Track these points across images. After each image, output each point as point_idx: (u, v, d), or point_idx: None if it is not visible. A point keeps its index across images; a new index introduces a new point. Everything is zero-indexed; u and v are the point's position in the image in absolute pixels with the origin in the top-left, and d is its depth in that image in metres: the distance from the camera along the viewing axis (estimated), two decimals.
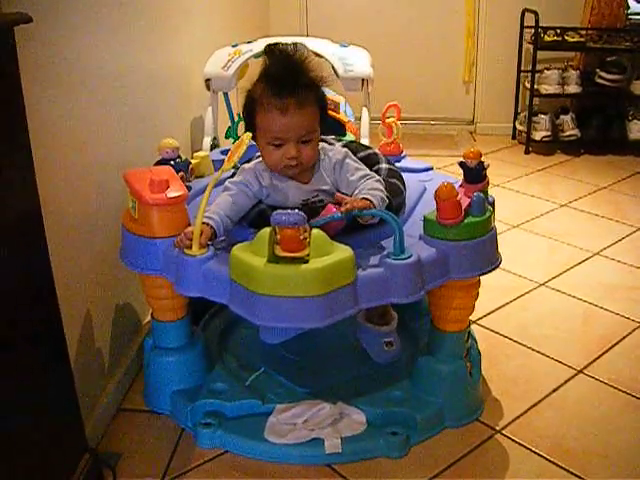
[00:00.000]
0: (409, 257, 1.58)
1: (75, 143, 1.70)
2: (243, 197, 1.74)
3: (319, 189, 1.76)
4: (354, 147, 1.96)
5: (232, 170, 1.88)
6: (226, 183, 1.78)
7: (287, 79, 1.66)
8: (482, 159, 1.72)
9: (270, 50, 1.73)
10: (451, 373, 1.81)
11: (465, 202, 1.65)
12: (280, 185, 1.75)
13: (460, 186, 1.72)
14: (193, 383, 1.84)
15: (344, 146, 1.92)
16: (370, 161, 1.91)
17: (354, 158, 1.79)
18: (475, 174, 1.72)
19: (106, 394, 1.83)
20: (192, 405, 1.79)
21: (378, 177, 1.75)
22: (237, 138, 2.79)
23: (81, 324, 1.73)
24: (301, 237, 1.47)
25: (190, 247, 1.60)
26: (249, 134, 1.64)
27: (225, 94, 2.79)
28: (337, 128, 2.26)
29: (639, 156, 4.10)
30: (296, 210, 1.48)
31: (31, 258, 1.37)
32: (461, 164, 1.73)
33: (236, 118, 2.85)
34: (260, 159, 1.78)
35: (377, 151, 2.01)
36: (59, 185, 1.61)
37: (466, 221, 1.65)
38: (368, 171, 1.76)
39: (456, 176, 2.34)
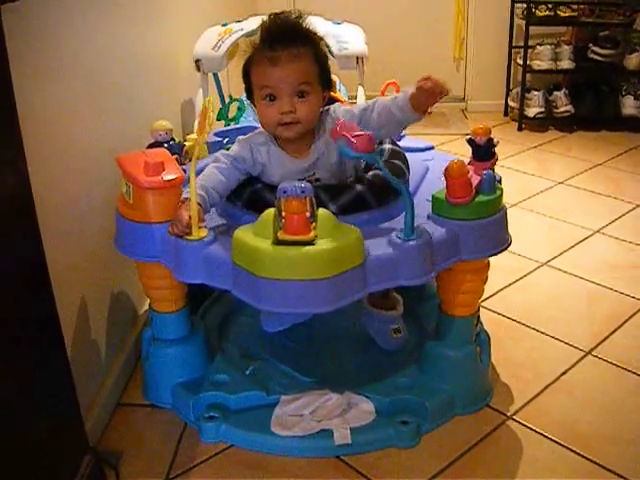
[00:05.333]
0: (419, 238, 1.51)
1: (64, 127, 1.62)
2: (234, 172, 1.66)
3: (316, 164, 1.67)
4: None
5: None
6: (218, 154, 1.70)
7: (280, 33, 1.60)
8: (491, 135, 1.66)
9: (273, 15, 1.66)
10: (461, 359, 1.75)
11: (475, 180, 1.59)
12: (275, 161, 1.68)
13: (469, 164, 1.66)
14: (194, 375, 1.77)
15: None
16: None
17: (350, 107, 1.71)
18: (484, 151, 1.66)
19: (104, 389, 1.77)
20: (195, 398, 1.72)
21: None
22: (228, 120, 2.72)
23: (76, 316, 1.66)
24: (307, 213, 1.40)
25: (187, 234, 1.53)
26: (209, 98, 1.56)
27: (215, 75, 2.71)
28: None
29: (633, 132, 4.03)
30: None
31: (23, 247, 1.30)
32: (470, 141, 1.66)
33: (227, 99, 2.78)
34: (257, 131, 1.71)
35: None
36: (49, 171, 1.53)
37: (477, 200, 1.59)
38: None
39: (454, 154, 2.29)
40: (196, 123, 2.54)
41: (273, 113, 1.61)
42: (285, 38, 1.59)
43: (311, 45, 1.63)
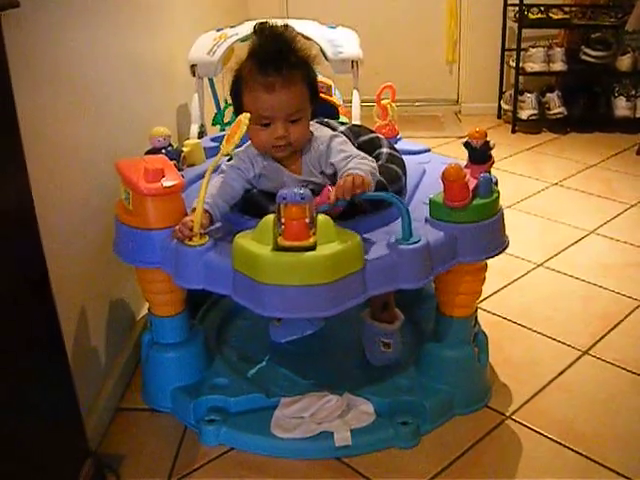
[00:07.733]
0: (418, 241, 1.52)
1: (62, 134, 1.63)
2: (239, 182, 1.68)
3: (311, 181, 1.69)
4: (357, 130, 1.89)
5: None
6: (222, 166, 1.71)
7: (273, 57, 1.59)
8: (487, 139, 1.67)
9: (259, 29, 1.66)
10: (459, 359, 1.77)
11: (472, 183, 1.60)
12: (272, 172, 1.69)
13: (465, 167, 1.67)
14: (194, 379, 1.78)
15: (349, 129, 1.86)
16: (372, 145, 1.85)
17: (340, 140, 1.69)
18: (480, 154, 1.67)
19: (104, 394, 1.77)
20: (194, 402, 1.72)
21: (364, 155, 1.65)
22: (224, 125, 2.73)
23: (76, 322, 1.66)
24: (307, 219, 1.41)
25: (191, 238, 1.53)
26: (247, 114, 1.55)
27: (210, 80, 2.72)
28: (330, 111, 2.19)
29: (625, 133, 4.07)
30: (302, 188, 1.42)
31: (25, 253, 1.30)
32: (466, 144, 1.67)
33: (222, 104, 2.79)
34: (250, 143, 1.72)
35: (380, 135, 1.94)
36: (48, 178, 1.53)
37: (474, 203, 1.60)
38: (353, 152, 1.66)
39: (448, 157, 2.31)
40: (194, 127, 2.56)
41: (266, 137, 1.63)
42: (278, 62, 1.58)
43: (303, 67, 1.64)
